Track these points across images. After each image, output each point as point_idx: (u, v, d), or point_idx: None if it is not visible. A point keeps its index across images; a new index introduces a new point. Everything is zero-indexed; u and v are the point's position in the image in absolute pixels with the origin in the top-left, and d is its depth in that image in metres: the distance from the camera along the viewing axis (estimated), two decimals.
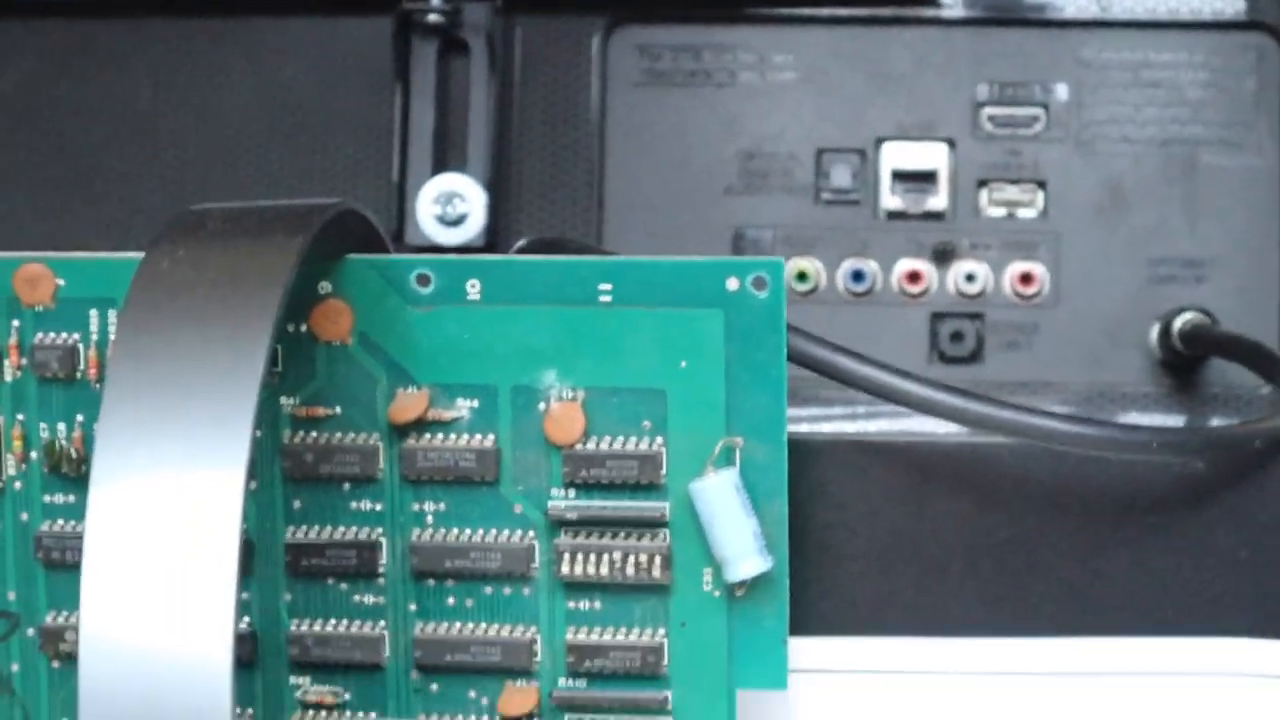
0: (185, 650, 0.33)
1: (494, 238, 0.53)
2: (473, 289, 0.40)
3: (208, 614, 0.33)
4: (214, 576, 0.33)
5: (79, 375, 0.42)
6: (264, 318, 0.35)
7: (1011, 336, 0.53)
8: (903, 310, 0.54)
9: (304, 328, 0.41)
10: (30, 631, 0.42)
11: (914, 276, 0.54)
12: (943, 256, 0.54)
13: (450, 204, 0.51)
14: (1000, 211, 0.54)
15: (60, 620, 0.42)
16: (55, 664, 0.42)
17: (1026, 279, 0.53)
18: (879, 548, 0.44)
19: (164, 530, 0.33)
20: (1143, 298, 0.53)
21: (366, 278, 0.41)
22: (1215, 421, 0.50)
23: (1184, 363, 0.52)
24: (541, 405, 0.41)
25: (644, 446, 0.41)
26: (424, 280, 0.40)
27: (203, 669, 0.33)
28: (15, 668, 0.42)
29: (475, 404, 0.41)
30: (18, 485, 0.42)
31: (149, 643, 0.33)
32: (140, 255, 0.39)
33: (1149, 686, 0.44)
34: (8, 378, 0.42)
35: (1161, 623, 0.43)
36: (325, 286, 0.41)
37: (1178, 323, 0.51)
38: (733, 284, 0.40)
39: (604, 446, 0.41)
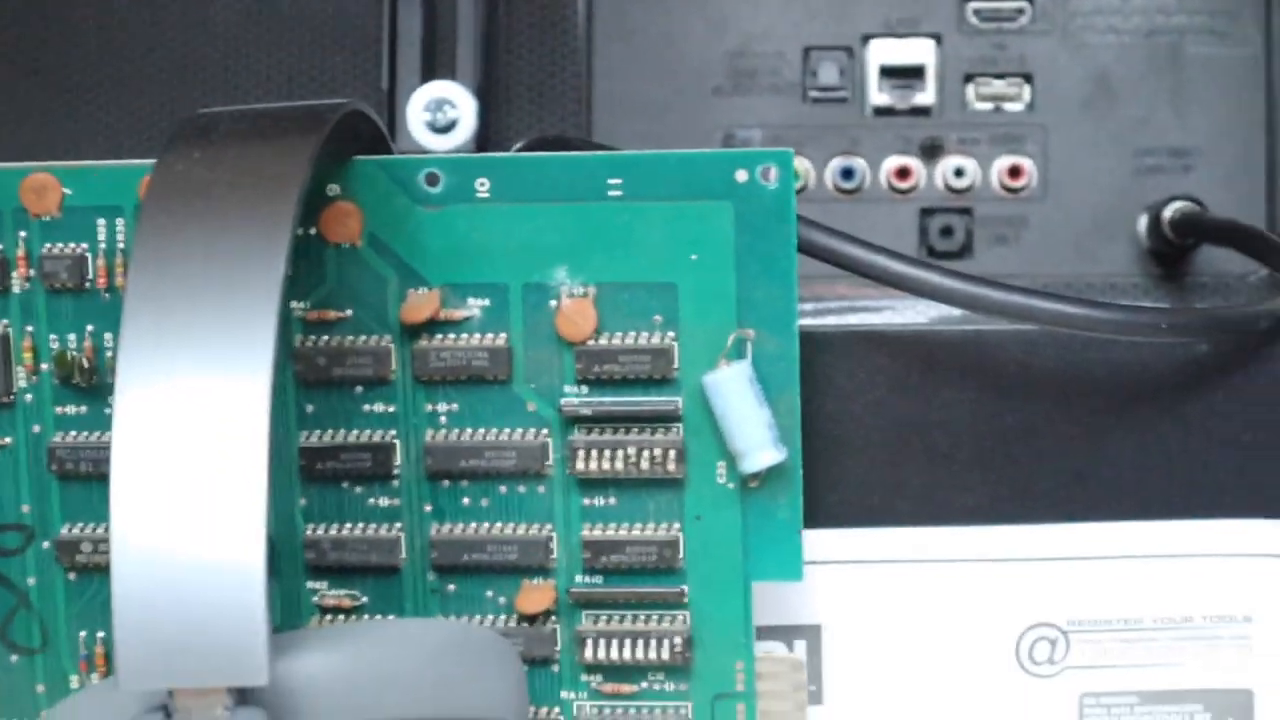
0: (218, 555, 0.33)
1: (485, 144, 0.53)
2: (481, 187, 0.40)
3: (239, 518, 0.33)
4: (244, 480, 0.33)
5: (88, 285, 0.42)
6: (283, 216, 0.35)
7: (1000, 230, 0.54)
8: (892, 206, 0.54)
9: (313, 230, 0.41)
10: (45, 544, 0.42)
11: (902, 172, 0.54)
12: (930, 152, 0.54)
13: (440, 110, 0.51)
14: (987, 105, 0.54)
15: (76, 532, 0.42)
16: (71, 576, 0.43)
17: (1014, 172, 0.53)
18: (887, 438, 0.44)
19: (191, 435, 0.33)
20: (1130, 188, 0.54)
21: (375, 179, 0.41)
22: None
23: (1173, 252, 0.52)
24: (553, 302, 0.41)
25: (656, 341, 0.41)
26: (433, 180, 0.40)
27: (236, 574, 0.33)
28: (31, 581, 0.43)
29: (486, 303, 0.41)
30: (29, 398, 0.42)
31: (182, 549, 0.33)
32: (145, 163, 0.39)
33: (1155, 570, 0.44)
34: (16, 289, 0.42)
35: (1166, 506, 0.44)
36: (334, 189, 0.41)
37: (1168, 211, 0.52)
38: (741, 175, 0.40)
39: (616, 342, 0.41)
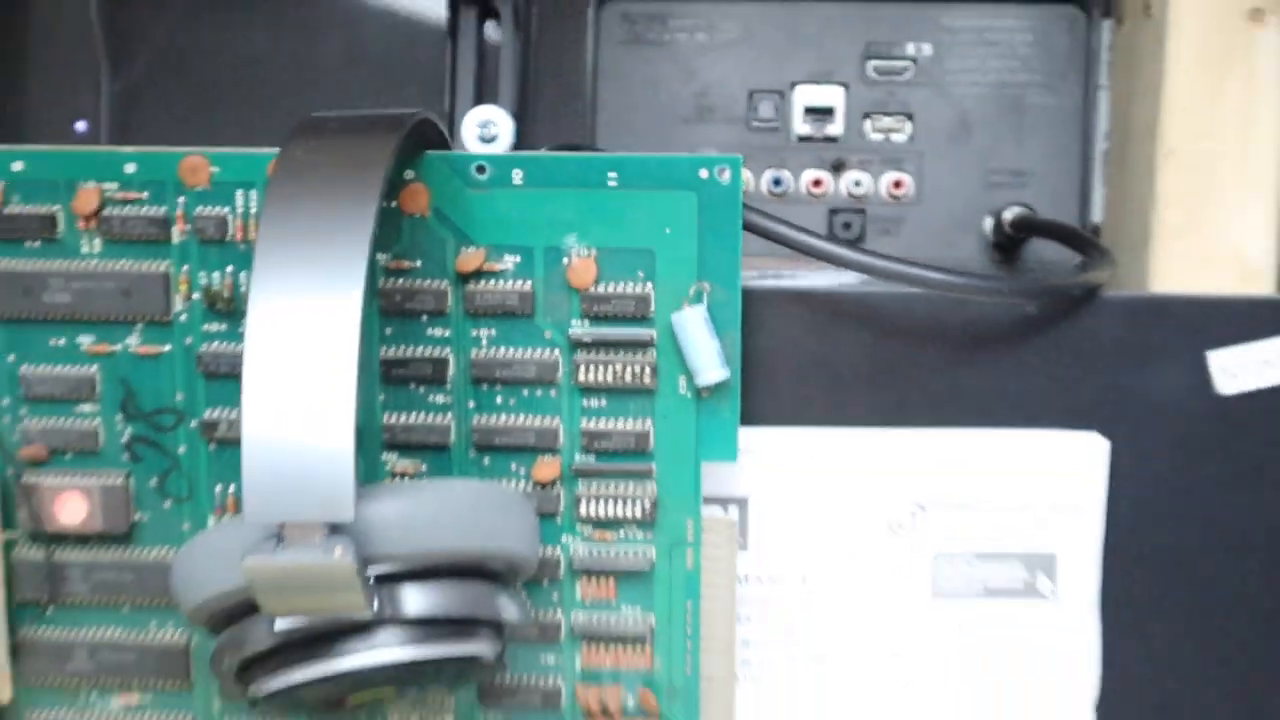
0: (321, 428, 0.33)
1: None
2: (517, 176, 0.40)
3: (335, 402, 0.33)
4: (339, 376, 0.33)
5: (228, 238, 0.41)
6: (372, 191, 0.35)
7: (886, 226, 0.54)
8: (809, 206, 0.54)
9: (394, 204, 0.41)
10: (193, 424, 0.42)
11: (817, 182, 0.54)
12: (838, 168, 0.54)
13: (487, 128, 0.51)
14: (880, 136, 0.54)
15: (215, 415, 0.42)
16: (211, 447, 0.42)
17: (898, 184, 0.53)
18: (802, 365, 0.44)
19: (302, 344, 0.33)
20: (980, 197, 0.54)
21: (439, 168, 0.41)
22: None
23: (1010, 244, 0.52)
24: (565, 260, 0.41)
25: (638, 289, 0.41)
26: (481, 170, 0.40)
27: (333, 441, 0.33)
28: (182, 450, 0.42)
29: (518, 259, 0.41)
30: (183, 318, 0.42)
31: (293, 425, 0.33)
32: (272, 151, 0.39)
33: (990, 464, 0.44)
34: (176, 240, 0.41)
35: (1001, 419, 0.44)
36: (409, 174, 0.40)
37: (1007, 214, 0.52)
38: (704, 173, 0.40)
39: (610, 289, 0.41)
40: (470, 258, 0.41)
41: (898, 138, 0.54)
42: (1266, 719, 0.44)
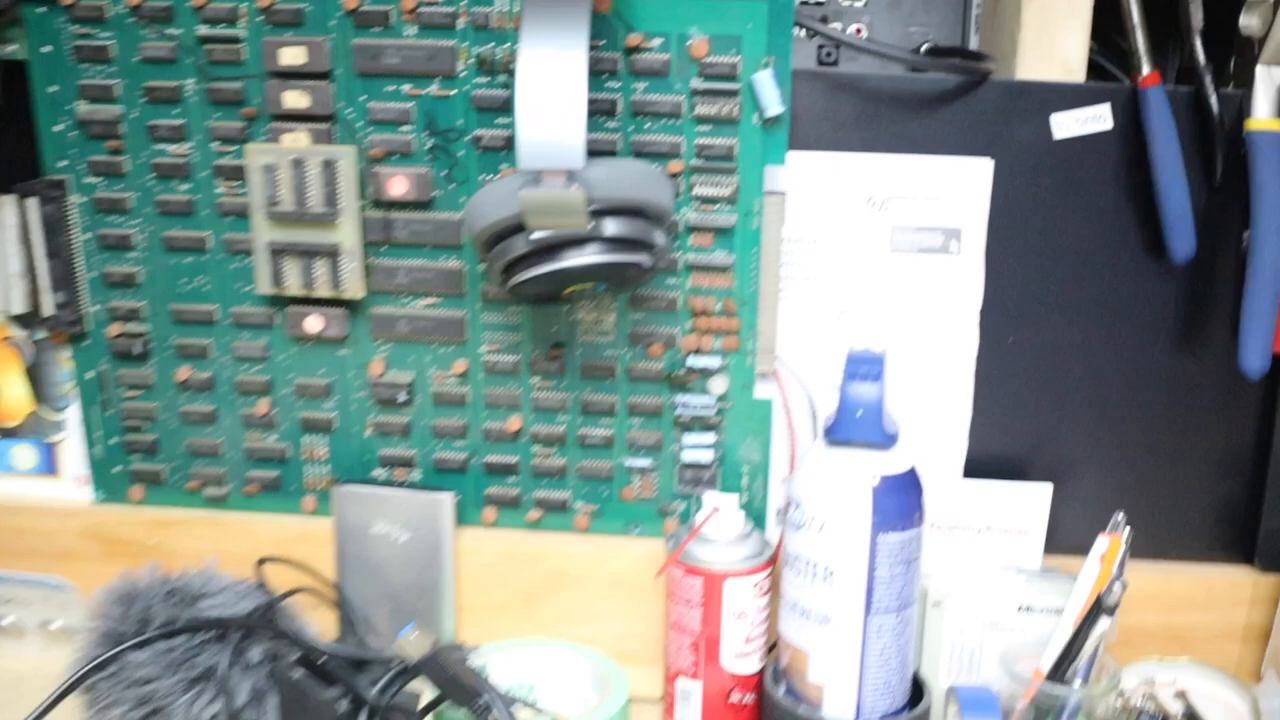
0: (563, 120, 0.41)
1: None
2: None
3: (574, 107, 0.41)
4: (576, 91, 0.41)
5: (491, 25, 0.52)
6: None
7: (852, 57, 0.65)
8: (807, 44, 0.65)
9: (592, 5, 0.49)
10: (468, 138, 0.53)
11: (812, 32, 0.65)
12: (824, 20, 0.65)
13: None
14: (848, 2, 0.64)
15: (481, 133, 0.52)
16: (479, 151, 0.53)
17: (859, 31, 0.64)
18: (825, 111, 0.54)
19: (552, 74, 0.41)
20: (905, 40, 0.64)
21: None
22: None
23: (925, 67, 0.63)
24: (689, 41, 0.52)
25: (732, 59, 0.52)
26: None
27: (571, 127, 0.42)
28: (461, 153, 0.53)
29: (662, 40, 0.51)
30: (463, 74, 0.52)
31: (549, 116, 0.41)
32: None
33: (924, 174, 0.54)
34: (459, 26, 0.52)
35: (932, 149, 0.54)
36: None
37: (923, 48, 0.63)
38: None
39: (715, 60, 0.52)
40: (633, 39, 0.52)
41: (859, 4, 0.65)
42: (1079, 308, 0.57)
